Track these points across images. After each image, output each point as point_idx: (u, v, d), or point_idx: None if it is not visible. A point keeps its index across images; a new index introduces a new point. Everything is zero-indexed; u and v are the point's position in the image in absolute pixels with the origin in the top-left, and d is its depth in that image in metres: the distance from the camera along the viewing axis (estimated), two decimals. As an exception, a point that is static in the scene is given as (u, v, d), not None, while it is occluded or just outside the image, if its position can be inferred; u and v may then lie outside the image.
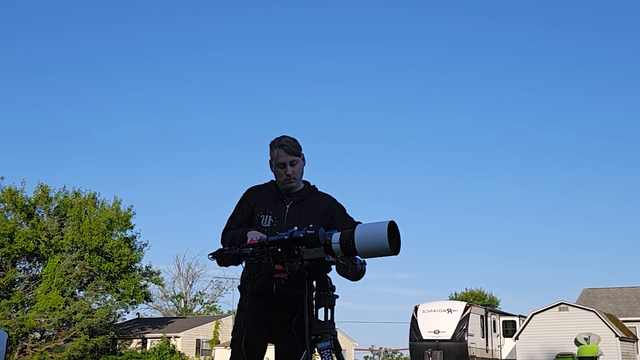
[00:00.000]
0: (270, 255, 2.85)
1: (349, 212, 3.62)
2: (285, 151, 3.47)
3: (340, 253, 2.80)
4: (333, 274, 2.98)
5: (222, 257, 3.02)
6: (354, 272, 3.00)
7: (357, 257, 2.99)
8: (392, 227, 2.74)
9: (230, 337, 3.57)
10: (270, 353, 3.42)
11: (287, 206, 3.53)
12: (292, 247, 2.81)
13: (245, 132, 70.60)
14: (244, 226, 3.50)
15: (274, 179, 3.64)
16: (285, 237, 2.82)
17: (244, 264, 3.11)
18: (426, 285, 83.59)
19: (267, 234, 3.33)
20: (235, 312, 3.62)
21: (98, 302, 35.43)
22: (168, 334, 39.03)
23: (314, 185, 3.67)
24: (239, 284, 3.60)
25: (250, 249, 2.93)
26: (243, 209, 3.55)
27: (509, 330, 29.25)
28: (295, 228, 2.87)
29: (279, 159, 3.48)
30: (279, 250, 2.83)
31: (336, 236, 2.79)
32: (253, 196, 3.58)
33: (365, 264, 3.06)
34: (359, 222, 3.36)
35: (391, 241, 2.71)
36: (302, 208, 3.54)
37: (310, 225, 2.83)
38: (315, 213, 3.54)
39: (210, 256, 3.04)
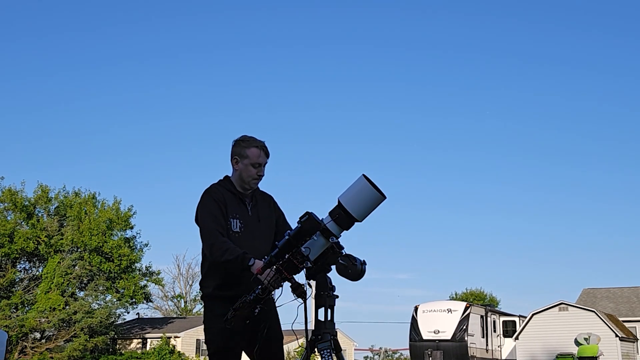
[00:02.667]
0: (283, 270, 2.84)
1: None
2: (265, 153, 3.52)
3: (338, 229, 2.82)
4: (333, 274, 2.98)
5: (242, 314, 2.99)
6: (354, 272, 3.00)
7: (357, 257, 3.00)
8: (368, 179, 2.81)
9: (206, 345, 3.47)
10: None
11: (249, 208, 3.54)
12: (296, 245, 2.81)
13: (246, 132, 70.31)
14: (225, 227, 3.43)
15: (223, 180, 3.58)
16: (286, 237, 2.83)
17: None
18: (426, 285, 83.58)
19: (238, 239, 3.35)
20: (205, 320, 3.50)
21: (98, 302, 35.44)
22: (168, 334, 39.01)
23: None
24: (209, 290, 3.48)
25: (259, 288, 2.90)
26: (220, 208, 3.44)
27: (509, 330, 29.25)
28: (288, 231, 2.88)
29: (258, 159, 3.49)
30: (287, 256, 2.82)
31: (327, 217, 2.84)
32: (222, 197, 3.48)
33: (365, 264, 3.06)
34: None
35: (376, 189, 2.78)
36: (258, 209, 3.56)
37: (300, 216, 2.86)
38: (268, 213, 3.60)
39: (228, 325, 3.02)
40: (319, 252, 2.85)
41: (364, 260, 3.04)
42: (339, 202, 2.81)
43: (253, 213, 3.54)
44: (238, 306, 2.94)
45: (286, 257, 2.82)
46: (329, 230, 2.81)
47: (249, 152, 3.51)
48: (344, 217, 2.79)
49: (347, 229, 2.87)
